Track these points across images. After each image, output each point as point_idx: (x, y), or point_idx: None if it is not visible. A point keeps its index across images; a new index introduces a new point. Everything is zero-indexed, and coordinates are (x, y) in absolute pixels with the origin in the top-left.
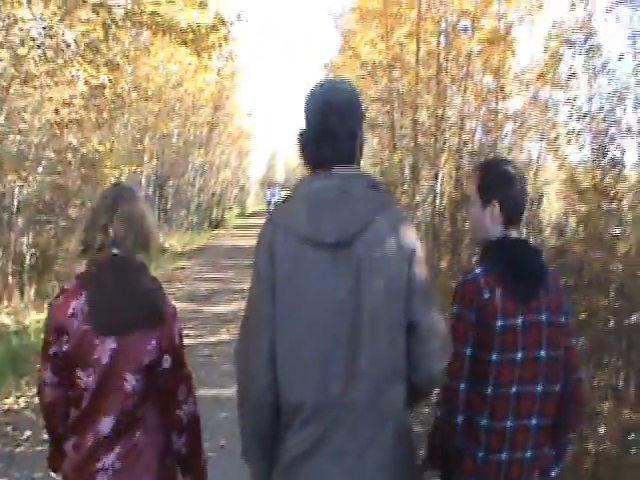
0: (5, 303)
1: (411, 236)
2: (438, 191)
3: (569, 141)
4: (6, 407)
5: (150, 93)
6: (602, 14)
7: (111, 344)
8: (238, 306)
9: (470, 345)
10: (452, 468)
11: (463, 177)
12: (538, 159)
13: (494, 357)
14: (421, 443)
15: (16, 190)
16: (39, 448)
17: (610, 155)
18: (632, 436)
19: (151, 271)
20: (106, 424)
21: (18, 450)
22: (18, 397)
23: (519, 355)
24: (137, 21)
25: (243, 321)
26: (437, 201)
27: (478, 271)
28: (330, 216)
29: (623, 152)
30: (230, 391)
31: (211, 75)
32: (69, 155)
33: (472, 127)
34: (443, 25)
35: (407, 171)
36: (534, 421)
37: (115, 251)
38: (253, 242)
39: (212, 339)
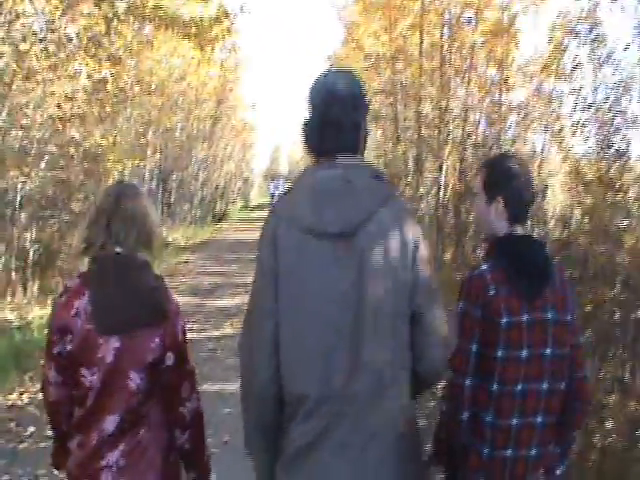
0: (8, 299)
1: (414, 228)
2: (442, 183)
3: (574, 132)
4: (10, 403)
5: (153, 87)
6: (607, 4)
7: (115, 343)
8: (242, 300)
9: (476, 341)
10: (457, 464)
11: (467, 169)
12: (542, 151)
13: (499, 354)
14: (426, 437)
15: (19, 185)
16: (42, 444)
17: (615, 146)
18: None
19: (154, 265)
20: (111, 422)
21: (21, 447)
22: (21, 393)
23: (524, 353)
24: (140, 14)
25: (246, 315)
26: (441, 193)
27: (484, 267)
28: (333, 206)
29: (629, 143)
30: (234, 386)
31: (214, 68)
32: (72, 150)
33: (476, 119)
34: (447, 17)
35: (411, 163)
36: (539, 419)
37: (118, 249)
38: (257, 235)
39: (216, 333)
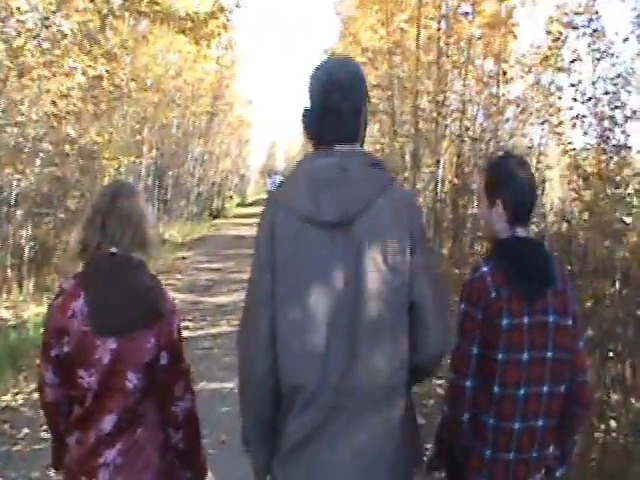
0: (4, 296)
1: (414, 217)
2: (439, 178)
3: (573, 125)
4: (4, 404)
5: (149, 83)
6: None
7: (111, 344)
8: (239, 297)
9: (477, 343)
10: (459, 466)
11: (464, 163)
12: (540, 144)
13: (500, 356)
14: (426, 437)
15: (14, 182)
16: (37, 447)
17: (615, 140)
18: None
19: (150, 264)
20: (108, 422)
21: (15, 449)
22: (16, 393)
23: (525, 356)
24: (135, 10)
25: (244, 311)
26: (438, 188)
27: (485, 269)
28: (329, 195)
29: (628, 136)
30: (231, 385)
31: (210, 64)
32: (67, 147)
33: (473, 112)
34: (444, 10)
35: (408, 158)
36: (540, 422)
37: (113, 250)
38: (254, 232)
39: (212, 331)
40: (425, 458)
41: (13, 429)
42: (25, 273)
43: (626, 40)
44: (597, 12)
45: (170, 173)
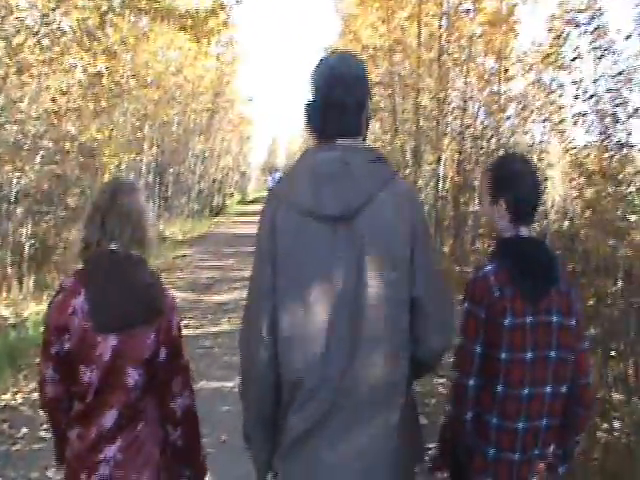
0: (4, 295)
1: (416, 212)
2: (441, 175)
3: (575, 123)
4: (3, 403)
5: (149, 80)
6: None
7: (112, 341)
8: (240, 295)
9: (480, 342)
10: (462, 465)
11: (466, 160)
12: (541, 142)
13: (503, 355)
14: (428, 437)
15: (14, 180)
16: (36, 446)
17: (617, 138)
18: None
19: (151, 261)
20: (109, 417)
21: (14, 448)
22: (15, 392)
23: (529, 355)
24: (135, 7)
25: (245, 305)
26: (440, 185)
27: (488, 268)
28: (331, 189)
29: (629, 134)
30: (231, 384)
31: (211, 61)
32: (67, 144)
33: (474, 110)
34: (445, 7)
35: (409, 155)
36: (544, 422)
37: (113, 246)
38: (254, 229)
39: (213, 330)
40: (427, 457)
41: (12, 428)
42: (25, 271)
43: (628, 37)
44: (600, 9)
45: (171, 170)
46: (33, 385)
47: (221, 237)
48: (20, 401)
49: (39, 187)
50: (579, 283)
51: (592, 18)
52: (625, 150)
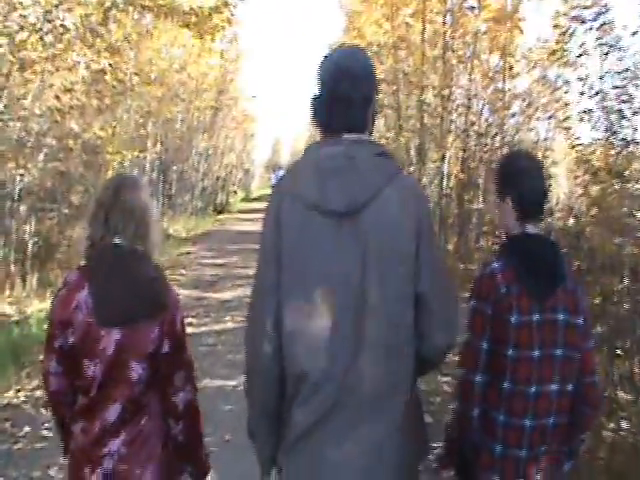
0: (7, 292)
1: (422, 207)
2: (445, 172)
3: (581, 120)
4: (5, 401)
5: (153, 77)
6: None
7: (116, 335)
8: (243, 292)
9: (487, 339)
10: (469, 463)
11: (470, 158)
12: (546, 139)
13: (510, 352)
14: (433, 436)
15: (18, 177)
16: (38, 445)
17: (623, 134)
18: None
19: (156, 258)
20: (113, 411)
21: (16, 447)
22: (18, 390)
23: (536, 353)
24: (139, 4)
25: (250, 299)
26: (444, 183)
27: (495, 265)
28: (336, 183)
29: (635, 131)
30: (235, 382)
31: (215, 58)
32: (71, 141)
33: (479, 107)
34: (449, 4)
35: (413, 152)
36: (551, 419)
37: (117, 241)
38: (258, 227)
39: (216, 327)
40: (432, 456)
41: (14, 427)
42: (28, 268)
43: (635, 34)
44: (606, 5)
45: (174, 168)
46: (36, 383)
47: (225, 235)
48: (23, 399)
49: (42, 185)
50: (585, 281)
51: (598, 14)
52: (631, 147)
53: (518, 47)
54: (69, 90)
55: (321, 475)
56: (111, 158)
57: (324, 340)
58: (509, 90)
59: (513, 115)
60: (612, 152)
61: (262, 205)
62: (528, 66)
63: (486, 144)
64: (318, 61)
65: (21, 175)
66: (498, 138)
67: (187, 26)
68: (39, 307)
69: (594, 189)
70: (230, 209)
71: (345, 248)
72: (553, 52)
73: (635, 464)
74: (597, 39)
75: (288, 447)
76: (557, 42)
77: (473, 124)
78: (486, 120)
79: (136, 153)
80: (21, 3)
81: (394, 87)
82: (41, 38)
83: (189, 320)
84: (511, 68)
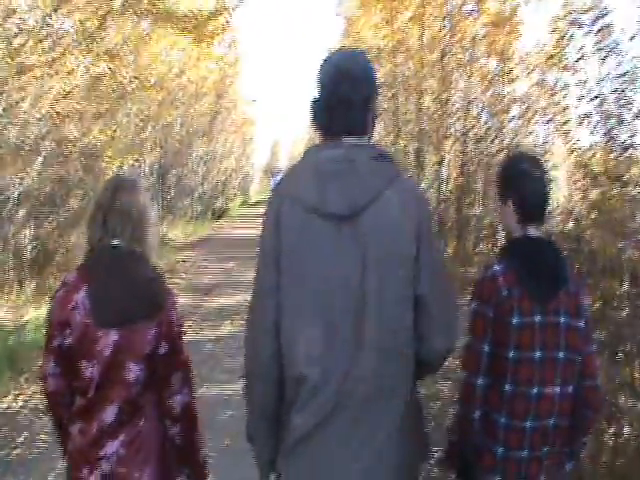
0: (5, 298)
1: (422, 210)
2: (443, 177)
3: (580, 124)
4: (4, 406)
5: (152, 81)
6: None
7: (113, 336)
8: (242, 298)
9: (488, 341)
10: (470, 465)
11: (468, 162)
12: (545, 143)
13: (511, 354)
14: (432, 440)
15: (16, 182)
16: (36, 451)
17: (621, 139)
18: None
19: (154, 261)
20: (110, 412)
21: (14, 454)
22: (16, 396)
23: (537, 354)
24: (136, 9)
25: (250, 301)
26: (442, 187)
27: (497, 268)
28: (336, 186)
29: (634, 135)
30: (234, 388)
31: (214, 62)
32: (69, 146)
33: (477, 111)
34: (448, 8)
35: (412, 157)
36: (552, 421)
37: (115, 242)
38: (257, 232)
39: (215, 333)
40: (433, 461)
41: (12, 433)
42: (26, 274)
43: (633, 38)
44: (605, 8)
45: (173, 172)
46: (34, 389)
47: (223, 240)
48: (21, 404)
49: (41, 189)
50: (585, 284)
51: (597, 18)
52: (630, 151)
53: (516, 51)
54: (67, 95)
55: (322, 478)
56: (110, 162)
57: (323, 343)
58: (508, 94)
59: (512, 119)
60: (611, 156)
61: (261, 210)
62: (527, 70)
63: (485, 148)
64: (317, 65)
65: (20, 180)
66: (497, 142)
67: (184, 31)
68: (36, 314)
69: (594, 193)
70: (229, 214)
71: (345, 251)
72: (551, 56)
73: (638, 466)
74: (596, 43)
75: (288, 450)
76: (555, 46)
77: (472, 128)
78: (485, 124)
79: (135, 157)
80: (19, 7)
81: (393, 91)
82: (40, 41)
83: (187, 326)
84: (509, 72)
